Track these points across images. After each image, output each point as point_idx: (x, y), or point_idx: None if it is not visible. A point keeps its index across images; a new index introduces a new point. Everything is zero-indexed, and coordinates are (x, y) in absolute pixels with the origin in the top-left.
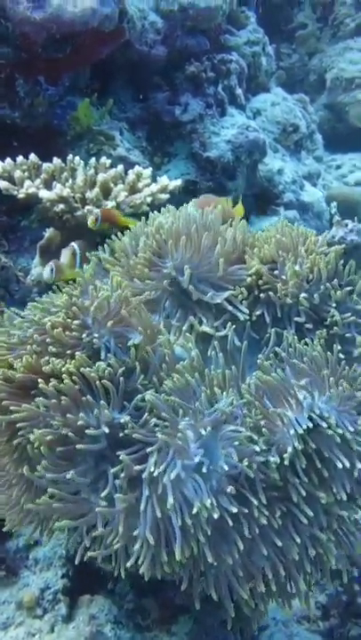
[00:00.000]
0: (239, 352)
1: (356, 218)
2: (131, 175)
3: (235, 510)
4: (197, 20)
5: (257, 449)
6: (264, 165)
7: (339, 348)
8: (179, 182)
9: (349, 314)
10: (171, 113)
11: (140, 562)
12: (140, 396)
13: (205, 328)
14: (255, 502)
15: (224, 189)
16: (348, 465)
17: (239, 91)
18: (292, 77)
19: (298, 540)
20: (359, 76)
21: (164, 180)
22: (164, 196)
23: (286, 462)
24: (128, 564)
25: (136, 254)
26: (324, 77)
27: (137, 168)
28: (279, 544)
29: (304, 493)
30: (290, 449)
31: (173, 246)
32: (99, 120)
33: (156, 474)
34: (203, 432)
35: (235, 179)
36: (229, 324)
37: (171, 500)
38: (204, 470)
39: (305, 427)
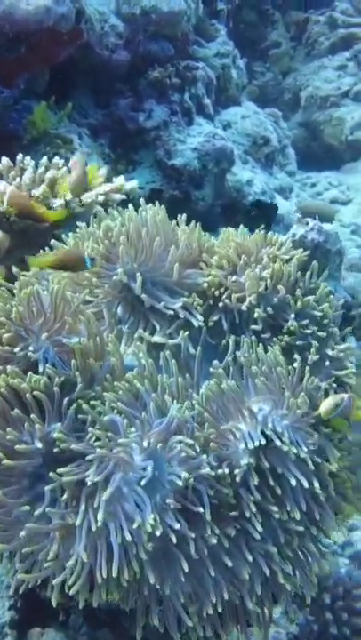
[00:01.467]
0: (194, 360)
1: (316, 216)
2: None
3: (177, 526)
4: (161, 25)
5: (205, 462)
6: (233, 176)
7: (298, 358)
8: (135, 183)
9: (307, 321)
10: (134, 119)
11: (72, 582)
12: (84, 407)
13: (157, 338)
14: (205, 519)
15: (190, 198)
16: (305, 483)
17: (207, 101)
18: (266, 96)
19: (250, 559)
20: (334, 95)
21: (119, 180)
22: (119, 197)
23: (238, 479)
24: (55, 581)
25: None
26: (298, 96)
27: (89, 167)
28: (229, 564)
29: (254, 509)
30: (242, 465)
31: (124, 250)
32: (56, 124)
33: (92, 488)
34: (148, 444)
35: (202, 188)
36: (182, 331)
37: (101, 516)
38: (148, 484)
39: (257, 443)
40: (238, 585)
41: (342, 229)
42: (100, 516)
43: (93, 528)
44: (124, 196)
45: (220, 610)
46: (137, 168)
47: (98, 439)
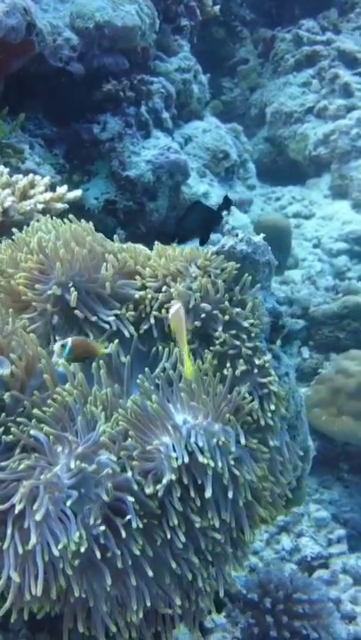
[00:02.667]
0: (127, 368)
1: (250, 230)
2: (23, 181)
3: (102, 541)
4: (115, 40)
5: (130, 476)
6: (189, 188)
7: (225, 371)
8: (79, 193)
9: (235, 331)
10: (89, 131)
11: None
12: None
13: None
14: (132, 528)
15: (144, 210)
16: (223, 495)
17: (166, 115)
18: (233, 111)
19: (173, 566)
20: (298, 111)
21: (61, 189)
22: (61, 206)
23: (160, 493)
24: None
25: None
26: (265, 111)
27: (31, 175)
28: (150, 574)
29: (176, 521)
30: (165, 479)
31: (58, 262)
32: (8, 134)
33: (17, 511)
34: (74, 464)
35: (156, 199)
36: (114, 341)
37: (34, 539)
38: (74, 502)
39: (181, 461)
40: (162, 590)
41: (305, 243)
42: (33, 540)
43: (21, 551)
44: (66, 206)
45: (141, 615)
46: (92, 179)
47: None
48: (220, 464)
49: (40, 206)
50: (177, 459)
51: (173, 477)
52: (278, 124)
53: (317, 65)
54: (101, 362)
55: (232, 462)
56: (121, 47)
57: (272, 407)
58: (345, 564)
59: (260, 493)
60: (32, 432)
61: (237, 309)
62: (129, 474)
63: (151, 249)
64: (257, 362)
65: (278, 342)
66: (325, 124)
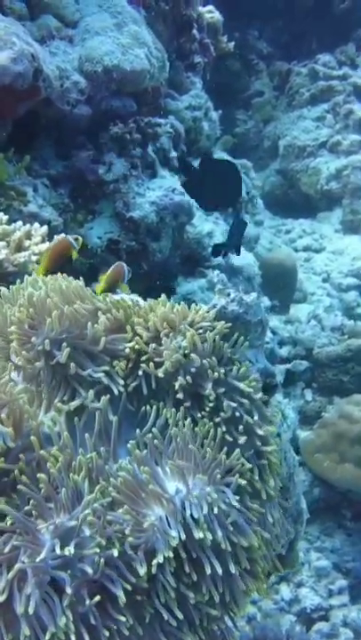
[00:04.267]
0: (115, 428)
1: (240, 287)
2: (18, 233)
3: (92, 621)
4: (123, 83)
5: (115, 554)
6: (193, 228)
7: (216, 429)
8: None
9: (223, 390)
10: (94, 172)
11: None
12: None
13: (76, 403)
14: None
15: (147, 250)
16: (219, 570)
17: (173, 154)
18: (247, 143)
19: None
20: (311, 145)
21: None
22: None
23: (154, 570)
24: None
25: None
26: (278, 144)
27: (27, 226)
28: None
29: (173, 595)
30: (161, 556)
31: (49, 319)
32: (13, 176)
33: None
34: (58, 547)
35: (159, 240)
36: (103, 397)
37: (27, 631)
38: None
39: (177, 541)
40: None
41: (314, 277)
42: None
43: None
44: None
45: None
46: (96, 218)
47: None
48: (219, 534)
49: (35, 257)
50: (174, 537)
51: (169, 554)
52: (291, 157)
53: (332, 100)
54: (87, 420)
55: (230, 528)
56: (129, 90)
57: (270, 480)
58: (346, 617)
59: (255, 563)
60: (15, 514)
61: (227, 368)
62: (115, 552)
63: (153, 288)
64: (258, 431)
65: (271, 401)
66: (338, 158)
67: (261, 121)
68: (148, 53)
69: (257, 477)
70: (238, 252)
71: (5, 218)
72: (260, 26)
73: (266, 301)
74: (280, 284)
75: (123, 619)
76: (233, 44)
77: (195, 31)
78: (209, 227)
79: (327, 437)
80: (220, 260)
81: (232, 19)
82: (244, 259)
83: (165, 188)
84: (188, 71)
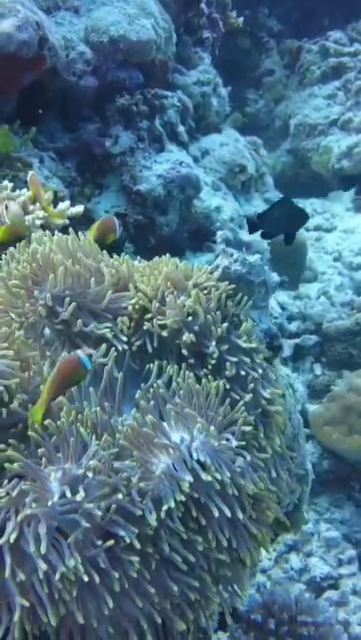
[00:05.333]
0: (120, 384)
1: (244, 249)
2: (22, 197)
3: (102, 565)
4: (129, 54)
5: (120, 497)
6: (201, 202)
7: (219, 383)
8: (81, 209)
9: (227, 347)
10: (101, 144)
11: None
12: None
13: None
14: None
15: (154, 224)
16: (227, 512)
17: (181, 128)
18: (257, 123)
19: (175, 589)
20: (322, 123)
21: (63, 204)
22: (61, 221)
23: (163, 515)
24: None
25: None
26: (288, 123)
27: (30, 191)
28: (152, 591)
29: (178, 540)
30: (171, 502)
31: (52, 274)
32: (19, 148)
33: (12, 540)
34: (67, 491)
35: (166, 213)
36: (109, 351)
37: (43, 566)
38: (67, 523)
39: (187, 484)
40: (163, 610)
41: (325, 256)
42: (41, 568)
43: (24, 577)
44: (66, 221)
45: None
46: (103, 192)
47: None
48: (227, 474)
49: (39, 222)
50: (182, 480)
51: (180, 498)
52: (302, 136)
53: (343, 77)
54: (91, 377)
55: (238, 470)
56: (136, 61)
57: (276, 438)
58: (355, 585)
59: (263, 508)
60: (25, 460)
61: (231, 326)
62: (120, 495)
63: None
64: (262, 390)
65: (276, 362)
66: (350, 136)
67: (272, 100)
68: (155, 24)
69: (262, 435)
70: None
71: (10, 185)
72: (271, 3)
73: (275, 277)
74: (289, 259)
75: (134, 559)
76: (242, 19)
77: (203, 5)
78: (217, 201)
79: (336, 410)
80: (227, 234)
81: None
82: (253, 234)
83: (173, 160)
84: (197, 46)
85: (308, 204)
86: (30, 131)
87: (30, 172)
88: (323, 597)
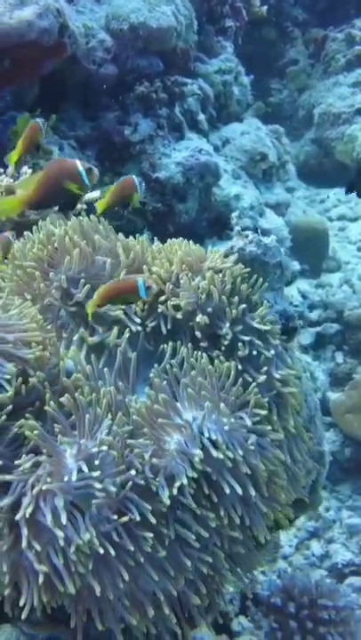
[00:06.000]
0: (134, 364)
1: (259, 230)
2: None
3: (116, 539)
4: (149, 41)
5: (134, 474)
6: (221, 190)
7: (226, 364)
8: (97, 194)
9: (241, 327)
10: (120, 133)
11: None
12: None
13: (96, 339)
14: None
15: (173, 211)
16: (239, 490)
17: (201, 116)
18: (281, 112)
19: (188, 564)
20: (346, 112)
21: (92, 194)
22: (80, 206)
23: (175, 492)
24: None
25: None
26: (312, 113)
27: None
28: (169, 570)
29: (191, 517)
30: (183, 479)
31: (67, 256)
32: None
33: (27, 515)
34: (83, 466)
35: (185, 201)
36: (123, 332)
37: (60, 534)
38: (83, 501)
39: (197, 458)
40: (176, 586)
41: (349, 246)
42: (59, 535)
43: (39, 548)
44: (84, 206)
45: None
46: None
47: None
48: (239, 452)
49: (56, 207)
50: (193, 456)
51: (192, 475)
52: (326, 125)
53: None
54: (106, 359)
55: (251, 448)
56: (156, 48)
57: (290, 419)
58: None
59: (277, 487)
60: (44, 433)
61: (244, 306)
62: (133, 472)
63: None
64: (275, 372)
65: (292, 344)
66: None
67: (296, 90)
68: (176, 11)
69: (275, 417)
70: None
71: (30, 171)
72: None
73: (296, 265)
74: (311, 247)
75: (148, 534)
76: (266, 8)
77: None
78: (236, 189)
79: (358, 398)
80: (247, 222)
81: None
82: (274, 222)
83: (192, 148)
84: (219, 35)
85: (331, 194)
86: (51, 118)
87: None
88: (345, 584)
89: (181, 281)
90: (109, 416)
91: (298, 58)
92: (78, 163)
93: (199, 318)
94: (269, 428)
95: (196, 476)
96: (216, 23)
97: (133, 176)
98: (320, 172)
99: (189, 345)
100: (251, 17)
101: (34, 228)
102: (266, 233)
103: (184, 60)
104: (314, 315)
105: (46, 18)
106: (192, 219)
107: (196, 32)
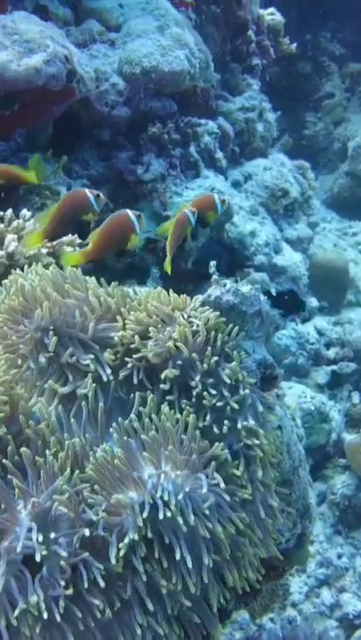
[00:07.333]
0: (102, 413)
1: (238, 278)
2: (30, 226)
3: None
4: (161, 84)
5: (87, 533)
6: (235, 227)
7: (193, 420)
8: None
9: (212, 380)
10: (133, 172)
11: None
12: None
13: (66, 389)
14: (94, 601)
15: (183, 248)
16: (188, 560)
17: (219, 154)
18: (316, 145)
19: (138, 632)
20: None
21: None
22: (70, 249)
23: (123, 550)
24: None
25: None
26: (347, 146)
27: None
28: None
29: (143, 581)
30: (129, 536)
31: (39, 307)
32: (50, 176)
33: None
34: (32, 523)
35: (196, 238)
36: (91, 383)
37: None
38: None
39: (145, 515)
40: None
41: None
42: None
43: None
44: (76, 249)
45: None
46: None
47: None
48: (191, 518)
49: (45, 250)
50: (141, 516)
51: (133, 537)
52: (360, 158)
53: None
54: (79, 407)
55: (207, 512)
56: (169, 91)
57: (258, 470)
58: None
59: (240, 550)
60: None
61: (217, 358)
62: (86, 531)
63: (188, 286)
64: (238, 424)
65: (273, 393)
66: None
67: (331, 123)
68: (190, 54)
69: (242, 468)
70: None
71: (28, 214)
72: (336, 27)
73: (314, 302)
74: (330, 284)
75: (96, 602)
76: (295, 45)
77: (251, 33)
78: (252, 226)
79: None
80: (262, 259)
81: (304, 21)
82: (290, 259)
83: (205, 187)
84: (245, 73)
85: None
86: (62, 159)
87: None
88: (355, 635)
89: (150, 333)
90: (68, 469)
91: (334, 91)
92: (87, 191)
93: (167, 372)
94: (239, 482)
95: (136, 537)
96: (242, 62)
97: (211, 194)
98: (353, 204)
99: (153, 398)
100: (280, 54)
101: (10, 276)
102: (281, 270)
103: (204, 99)
104: (331, 352)
105: (54, 64)
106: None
107: (221, 71)
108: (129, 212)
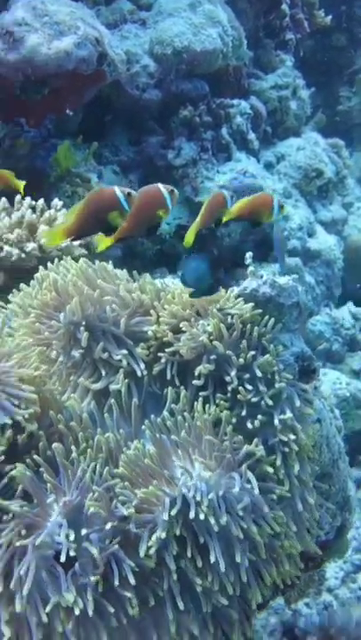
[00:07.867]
0: (136, 409)
1: (273, 272)
2: (62, 217)
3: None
4: (193, 65)
5: (107, 527)
6: None
7: (227, 416)
8: None
9: (248, 375)
10: (163, 157)
11: None
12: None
13: (99, 385)
14: (126, 594)
15: (215, 234)
16: (221, 562)
17: (252, 135)
18: (350, 120)
19: (172, 630)
20: None
21: None
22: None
23: (152, 550)
24: None
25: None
26: None
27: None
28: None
29: (175, 579)
30: (157, 534)
31: (70, 302)
32: (80, 162)
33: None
34: (62, 520)
35: (227, 224)
36: (124, 378)
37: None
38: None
39: (175, 511)
40: None
41: None
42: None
43: (19, 609)
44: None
45: None
46: None
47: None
48: (223, 518)
49: (77, 242)
50: (172, 515)
51: (161, 535)
52: None
53: None
54: (111, 401)
55: (240, 513)
56: (201, 71)
57: (295, 465)
58: None
59: (276, 550)
60: (29, 479)
61: (253, 352)
62: (108, 525)
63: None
64: (279, 415)
65: (311, 386)
66: None
67: None
68: (223, 32)
69: (279, 463)
70: None
71: (60, 204)
72: None
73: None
74: None
75: (128, 594)
76: (330, 17)
77: (285, 7)
78: (285, 209)
79: None
80: (295, 243)
81: None
82: (324, 242)
83: (237, 170)
84: (278, 49)
85: None
86: (92, 145)
87: None
88: None
89: (183, 327)
90: (99, 464)
91: None
92: (117, 189)
93: (202, 367)
94: (275, 478)
95: (164, 535)
96: (275, 37)
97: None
98: None
99: (187, 394)
100: (314, 27)
101: (40, 272)
102: (315, 254)
103: (236, 78)
104: None
105: (84, 47)
106: (236, 241)
107: (253, 47)
108: (160, 186)
